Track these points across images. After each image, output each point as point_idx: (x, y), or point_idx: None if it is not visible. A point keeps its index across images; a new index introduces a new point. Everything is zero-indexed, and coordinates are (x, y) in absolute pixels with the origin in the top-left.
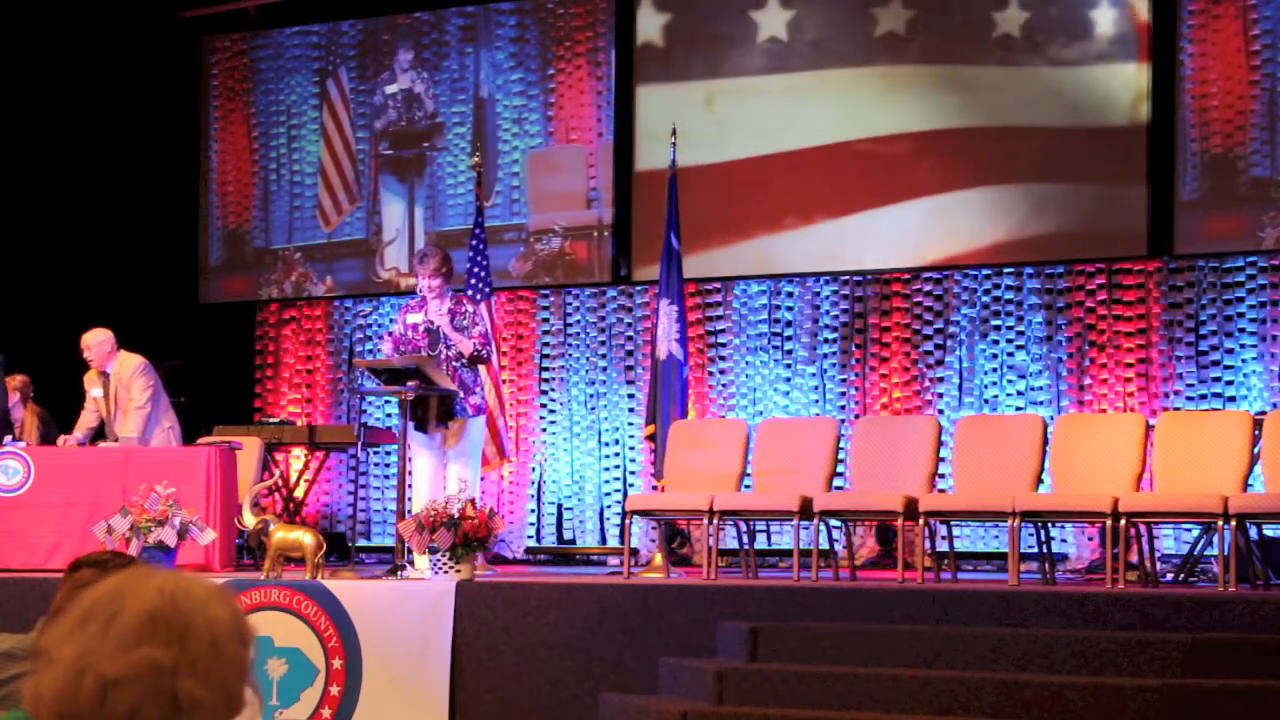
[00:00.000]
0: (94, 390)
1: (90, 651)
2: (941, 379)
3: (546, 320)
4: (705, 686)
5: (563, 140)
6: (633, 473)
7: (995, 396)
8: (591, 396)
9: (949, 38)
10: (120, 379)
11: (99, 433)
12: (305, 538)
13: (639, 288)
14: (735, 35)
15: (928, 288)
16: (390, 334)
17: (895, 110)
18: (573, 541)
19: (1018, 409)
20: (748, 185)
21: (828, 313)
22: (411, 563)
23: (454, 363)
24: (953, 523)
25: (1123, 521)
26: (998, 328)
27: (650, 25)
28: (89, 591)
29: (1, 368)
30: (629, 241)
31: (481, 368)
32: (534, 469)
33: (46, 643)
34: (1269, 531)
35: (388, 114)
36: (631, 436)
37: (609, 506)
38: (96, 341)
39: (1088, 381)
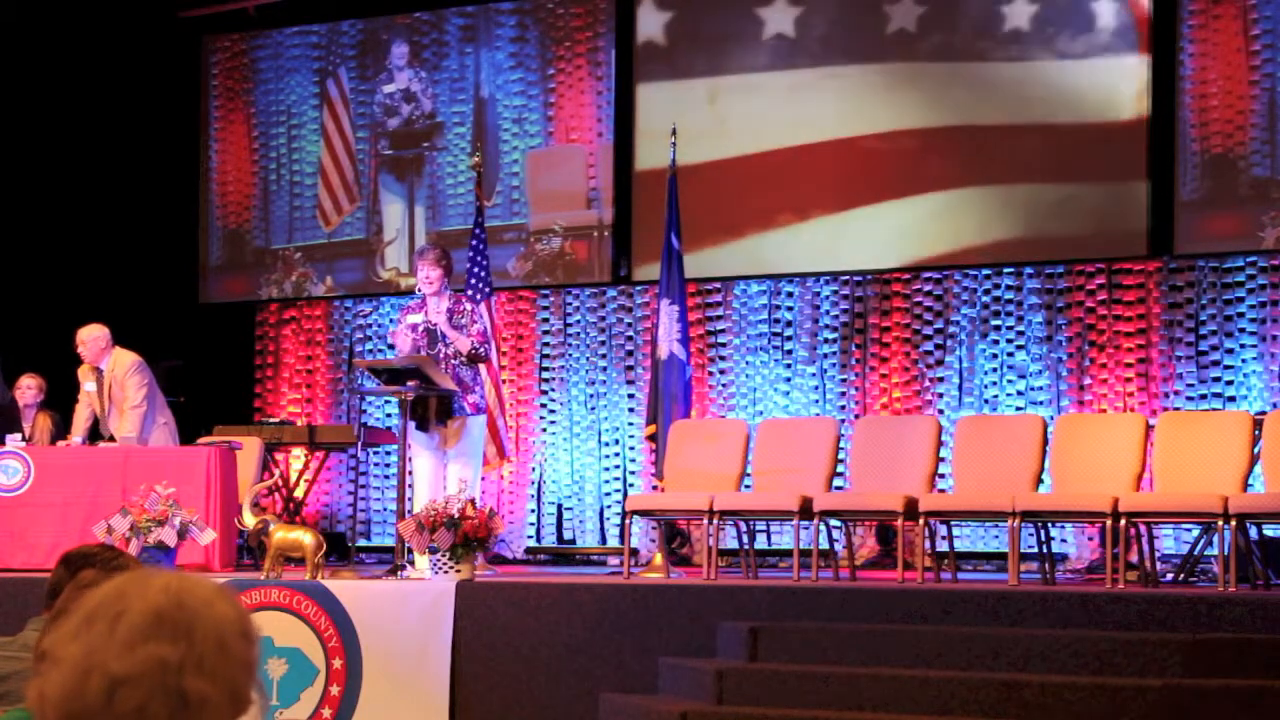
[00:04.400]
0: (87, 384)
1: (96, 650)
2: (941, 379)
3: (546, 320)
4: (705, 686)
5: (563, 140)
6: (633, 473)
7: (995, 396)
8: (591, 396)
9: (953, 34)
10: (115, 376)
11: (94, 430)
12: (305, 538)
13: (639, 288)
14: (739, 33)
15: (928, 288)
16: (394, 334)
17: (897, 108)
18: (573, 541)
19: (1018, 409)
20: (748, 184)
21: (828, 313)
22: (411, 563)
23: (452, 361)
24: (953, 523)
25: (1123, 521)
26: (998, 328)
27: (651, 24)
28: (92, 593)
29: None
30: (629, 241)
31: (482, 367)
32: (534, 469)
33: (50, 644)
34: (1269, 531)
35: (388, 114)
36: (631, 436)
37: (609, 506)
38: (91, 337)
39: (1088, 381)
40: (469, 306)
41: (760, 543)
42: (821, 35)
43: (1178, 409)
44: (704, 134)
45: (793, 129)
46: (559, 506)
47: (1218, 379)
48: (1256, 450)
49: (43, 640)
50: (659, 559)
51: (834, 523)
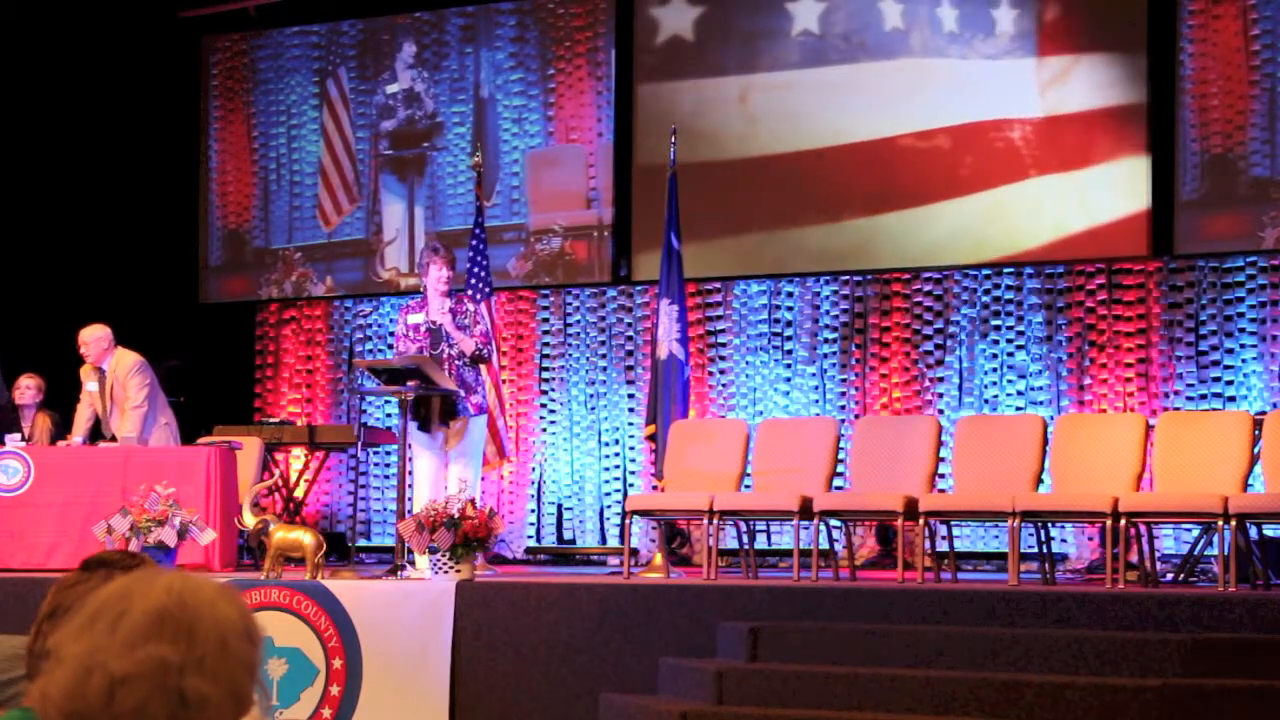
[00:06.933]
0: (89, 384)
1: (98, 650)
2: (941, 379)
3: (546, 320)
4: (705, 686)
5: (563, 140)
6: (633, 473)
7: (995, 396)
8: (591, 396)
9: (944, 33)
10: (116, 376)
11: (95, 430)
12: (305, 538)
13: (639, 288)
14: (748, 32)
15: (928, 288)
16: (396, 336)
17: (898, 107)
18: (573, 541)
19: (1018, 409)
20: (748, 183)
21: (828, 313)
22: (411, 563)
23: (456, 361)
24: (953, 523)
25: (1123, 521)
26: (998, 328)
27: (651, 24)
28: (98, 591)
29: None
30: (629, 241)
31: (482, 367)
32: (534, 469)
33: (55, 642)
34: (1269, 531)
35: (388, 114)
36: (631, 436)
37: (609, 506)
38: (94, 337)
39: (1088, 381)
40: (471, 307)
41: (760, 543)
42: (841, 32)
43: (1178, 409)
44: (704, 133)
45: (793, 129)
46: (559, 506)
47: (1218, 379)
48: (1256, 450)
49: (34, 641)
50: (659, 559)
51: (834, 523)
